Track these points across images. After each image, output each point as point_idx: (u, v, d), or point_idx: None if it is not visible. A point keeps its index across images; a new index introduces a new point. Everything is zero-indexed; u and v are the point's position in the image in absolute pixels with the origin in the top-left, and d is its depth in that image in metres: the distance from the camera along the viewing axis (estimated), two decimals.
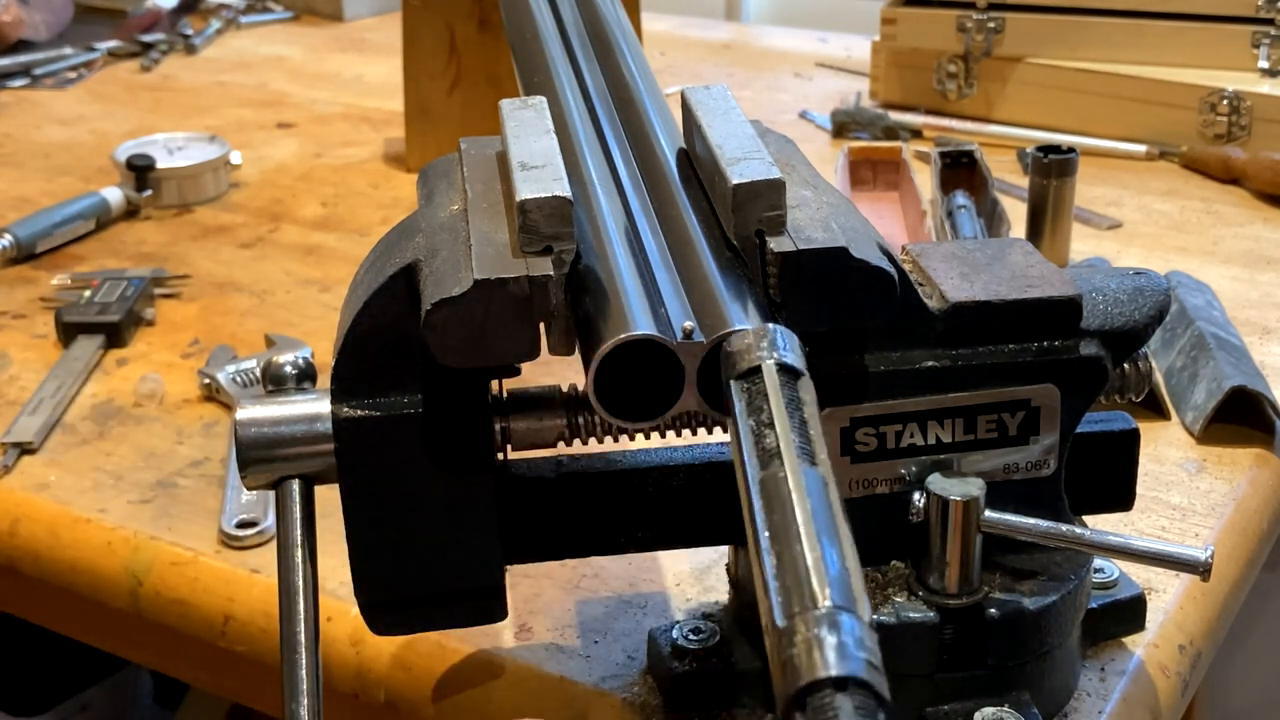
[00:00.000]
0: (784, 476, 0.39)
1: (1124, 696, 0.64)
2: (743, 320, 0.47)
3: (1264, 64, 1.34)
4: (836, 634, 0.33)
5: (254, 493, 0.80)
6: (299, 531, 0.54)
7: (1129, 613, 0.66)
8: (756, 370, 0.43)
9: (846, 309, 0.51)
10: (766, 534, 0.38)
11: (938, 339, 0.56)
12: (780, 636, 0.34)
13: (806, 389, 0.43)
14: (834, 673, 0.32)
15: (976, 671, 0.57)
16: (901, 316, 0.55)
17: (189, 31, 1.88)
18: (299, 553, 0.54)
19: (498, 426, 0.56)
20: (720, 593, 0.70)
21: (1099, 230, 1.20)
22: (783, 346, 0.44)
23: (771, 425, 0.41)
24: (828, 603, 0.34)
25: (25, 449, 0.88)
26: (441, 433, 0.54)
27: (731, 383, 0.44)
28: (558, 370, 0.62)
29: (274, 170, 1.39)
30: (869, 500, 0.57)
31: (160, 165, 1.28)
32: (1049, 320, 0.56)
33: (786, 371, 0.43)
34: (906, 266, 0.57)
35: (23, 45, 1.80)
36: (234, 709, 1.38)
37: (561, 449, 0.58)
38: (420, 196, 0.60)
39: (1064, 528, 0.56)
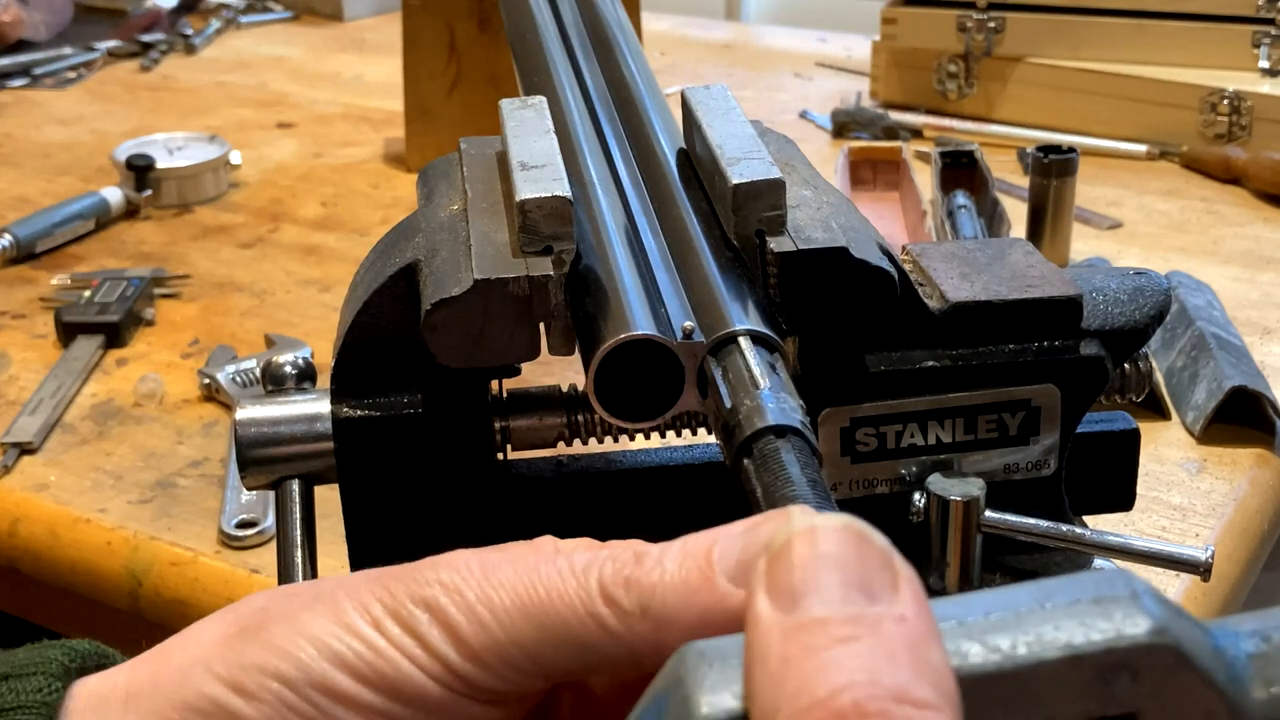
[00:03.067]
0: (737, 347, 0.46)
1: None
2: (743, 320, 0.47)
3: (1264, 64, 1.34)
4: (774, 402, 0.41)
5: (254, 493, 0.80)
6: (299, 531, 0.54)
7: None
8: (731, 339, 0.47)
9: (846, 309, 0.51)
10: (720, 370, 0.46)
11: (938, 339, 0.55)
12: (729, 414, 0.42)
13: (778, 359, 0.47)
14: (772, 422, 0.40)
15: None
16: (901, 316, 0.54)
17: (189, 31, 1.88)
18: (299, 553, 0.54)
19: (498, 426, 0.56)
20: None
21: (1099, 230, 1.20)
22: (755, 321, 0.48)
23: (743, 355, 0.46)
24: (766, 387, 0.42)
25: (25, 449, 0.88)
26: (441, 433, 0.54)
27: (707, 357, 0.47)
28: (558, 370, 0.62)
29: (274, 170, 1.39)
30: (869, 500, 0.57)
31: (160, 165, 1.28)
32: (1049, 320, 0.56)
33: (761, 341, 0.47)
34: (906, 266, 0.57)
35: (23, 45, 1.80)
36: None
37: (561, 449, 0.58)
38: (420, 196, 0.60)
39: (1064, 528, 0.56)
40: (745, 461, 0.40)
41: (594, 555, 0.34)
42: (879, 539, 0.30)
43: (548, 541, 0.36)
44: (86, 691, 0.36)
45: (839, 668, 0.27)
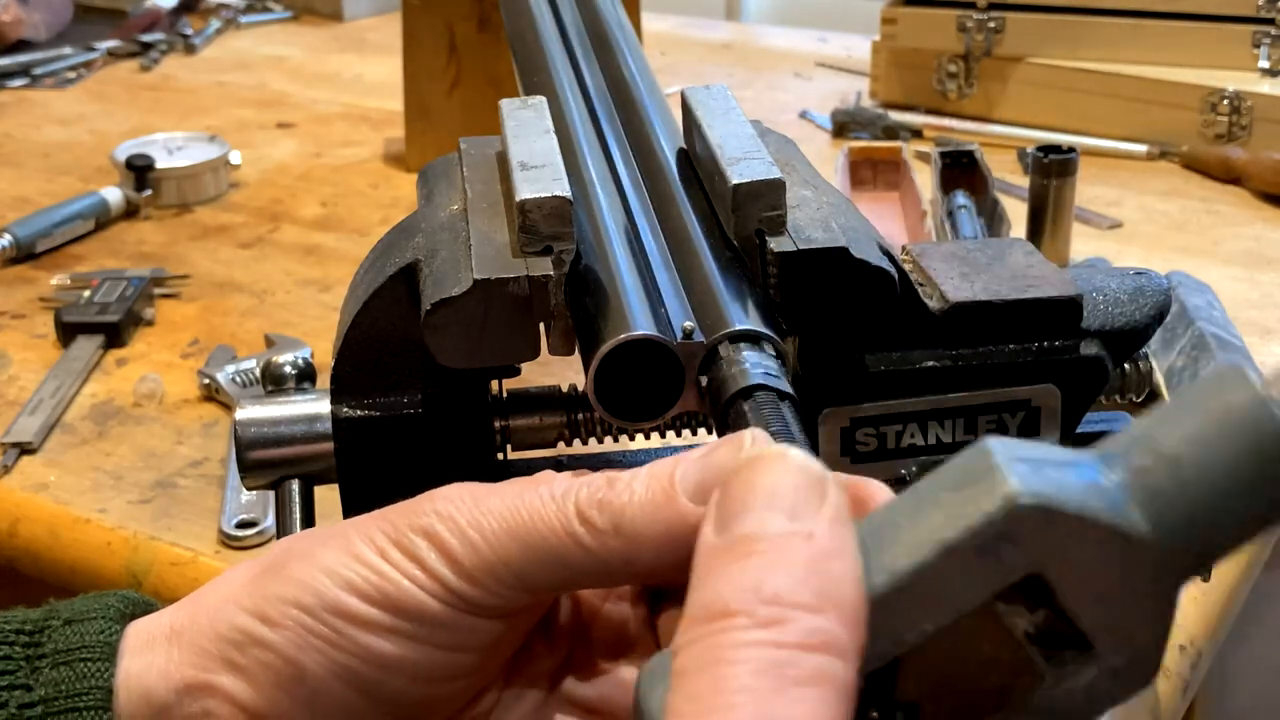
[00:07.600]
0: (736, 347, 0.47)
1: None
2: (743, 320, 0.47)
3: (1264, 64, 1.34)
4: (746, 365, 0.45)
5: (254, 493, 0.80)
6: (299, 531, 0.54)
7: None
8: (721, 340, 0.48)
9: (846, 309, 0.51)
10: (704, 379, 0.47)
11: (938, 339, 0.55)
12: (714, 401, 0.45)
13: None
14: (740, 386, 0.44)
15: None
16: (901, 316, 0.54)
17: (189, 31, 1.87)
18: None
19: (498, 426, 0.56)
20: None
21: (1099, 230, 1.20)
22: (755, 321, 0.48)
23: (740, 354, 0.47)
24: (743, 359, 0.45)
25: (25, 449, 0.88)
26: (441, 433, 0.54)
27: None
28: (558, 370, 0.62)
29: (274, 170, 1.39)
30: None
31: (160, 165, 1.28)
32: (1049, 320, 0.56)
33: (748, 339, 0.47)
34: (906, 266, 0.57)
35: (23, 45, 1.80)
36: None
37: (561, 449, 0.58)
38: (420, 196, 0.60)
39: None
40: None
41: (572, 482, 0.38)
42: (815, 466, 0.32)
43: (546, 474, 0.39)
44: (137, 631, 0.41)
45: (733, 578, 0.30)
